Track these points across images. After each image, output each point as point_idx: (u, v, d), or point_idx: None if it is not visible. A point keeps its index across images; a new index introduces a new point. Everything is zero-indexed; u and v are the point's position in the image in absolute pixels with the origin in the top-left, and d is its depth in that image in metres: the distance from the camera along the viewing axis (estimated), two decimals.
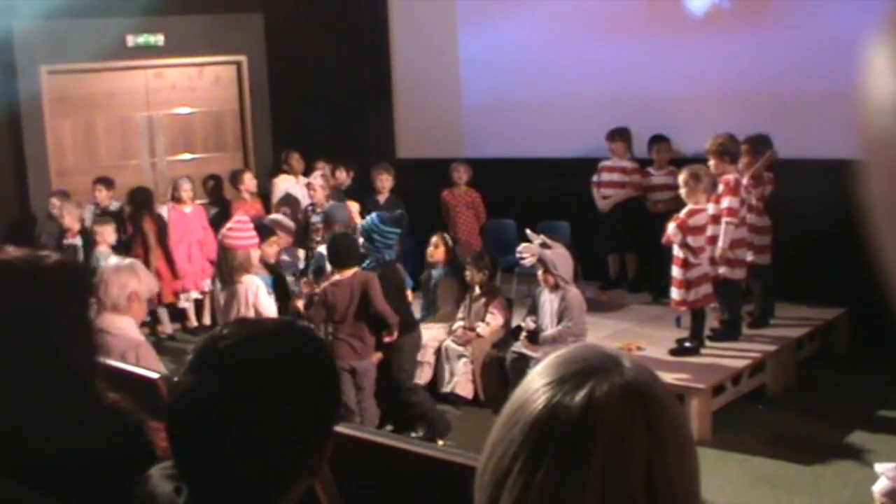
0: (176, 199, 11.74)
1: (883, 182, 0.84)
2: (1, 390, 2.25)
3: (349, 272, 7.58)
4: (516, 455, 1.25)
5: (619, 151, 10.85)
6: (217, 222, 11.39)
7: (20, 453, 2.20)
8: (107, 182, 12.24)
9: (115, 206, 12.10)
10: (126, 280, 5.33)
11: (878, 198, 0.86)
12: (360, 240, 7.98)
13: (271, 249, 8.54)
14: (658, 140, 10.48)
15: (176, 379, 1.80)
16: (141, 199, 11.66)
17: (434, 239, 9.22)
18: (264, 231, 8.38)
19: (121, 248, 10.77)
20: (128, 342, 5.18)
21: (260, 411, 1.71)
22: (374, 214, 8.09)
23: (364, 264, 7.75)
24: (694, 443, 1.34)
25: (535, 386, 1.29)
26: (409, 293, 8.48)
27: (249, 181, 12.30)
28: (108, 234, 10.66)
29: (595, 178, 10.96)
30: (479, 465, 1.32)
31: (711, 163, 8.61)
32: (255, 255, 7.53)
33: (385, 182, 11.56)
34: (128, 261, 5.83)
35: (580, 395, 1.25)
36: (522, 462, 1.24)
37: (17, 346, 2.30)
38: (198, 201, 12.28)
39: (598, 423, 1.23)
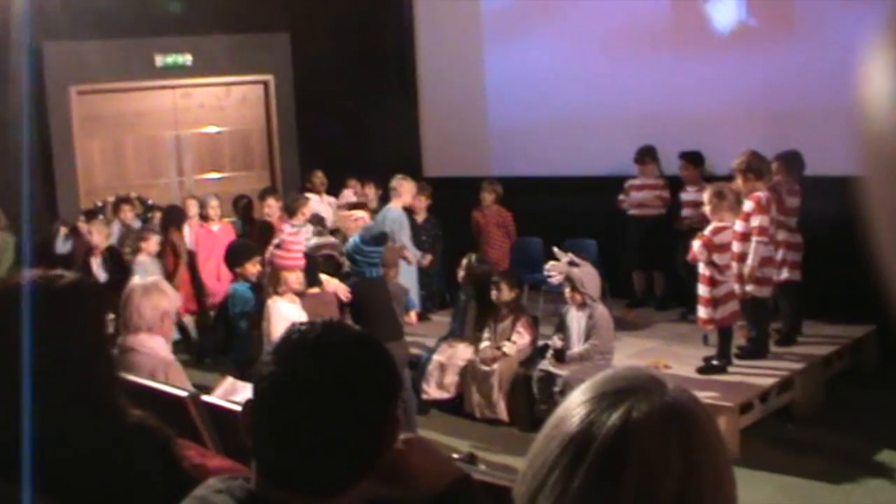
0: (203, 216, 11.80)
1: (882, 188, 0.84)
2: (24, 411, 2.28)
3: (314, 291, 7.86)
4: (552, 468, 1.26)
5: (647, 170, 10.84)
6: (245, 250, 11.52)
7: (46, 472, 2.22)
8: (130, 202, 12.37)
9: (138, 224, 12.23)
10: (157, 300, 5.34)
11: (877, 205, 0.86)
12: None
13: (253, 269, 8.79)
14: (688, 157, 10.41)
15: (260, 367, 1.86)
16: (173, 216, 11.78)
17: (463, 262, 9.28)
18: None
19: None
20: (157, 360, 5.21)
21: (342, 406, 1.80)
22: (356, 236, 8.18)
23: (349, 282, 7.91)
24: (731, 468, 1.33)
25: (576, 402, 1.30)
26: (412, 314, 8.94)
27: (273, 203, 12.23)
28: (151, 245, 10.74)
29: (622, 196, 10.95)
30: (518, 476, 1.33)
31: (738, 180, 8.58)
32: (293, 276, 7.52)
33: (422, 202, 11.57)
34: (151, 279, 5.84)
35: (617, 414, 1.25)
36: (558, 475, 1.25)
37: (38, 367, 2.33)
38: (225, 219, 12.33)
39: (633, 442, 1.23)
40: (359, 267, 7.83)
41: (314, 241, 9.32)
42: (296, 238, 7.94)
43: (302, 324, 1.91)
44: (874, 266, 0.90)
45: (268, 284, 7.54)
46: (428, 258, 11.05)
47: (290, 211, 11.01)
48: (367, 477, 1.87)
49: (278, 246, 7.51)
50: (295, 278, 7.40)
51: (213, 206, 11.78)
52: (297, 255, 7.54)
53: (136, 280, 5.80)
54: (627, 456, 1.22)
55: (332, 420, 1.78)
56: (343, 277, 8.10)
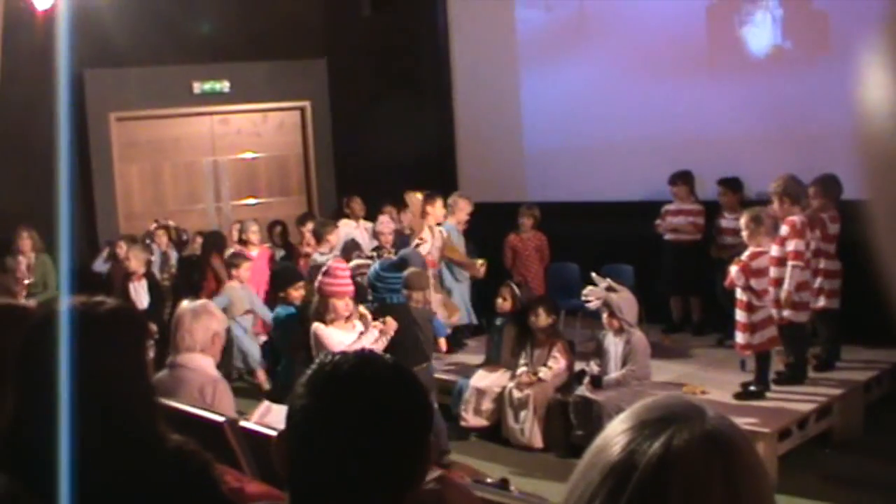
0: (243, 241, 11.86)
1: (881, 192, 0.84)
2: (66, 436, 2.30)
3: None
4: (593, 497, 1.25)
5: (682, 195, 10.79)
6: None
7: (85, 496, 2.24)
8: (165, 227, 12.50)
9: (173, 251, 12.38)
10: (208, 323, 5.51)
11: (877, 208, 0.86)
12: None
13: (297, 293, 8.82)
14: (727, 183, 10.34)
15: (293, 399, 1.87)
16: (214, 242, 11.89)
17: (503, 290, 9.24)
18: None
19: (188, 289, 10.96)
20: (206, 377, 5.36)
21: (374, 439, 1.80)
22: (376, 264, 8.28)
23: (370, 308, 7.94)
24: (773, 495, 1.32)
25: (617, 430, 1.29)
26: (441, 341, 8.79)
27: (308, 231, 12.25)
28: (243, 272, 10.69)
29: (659, 221, 10.91)
30: None
31: (775, 204, 8.54)
32: (342, 303, 7.46)
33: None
34: (200, 302, 5.96)
35: (659, 443, 1.24)
36: None
37: (78, 391, 2.35)
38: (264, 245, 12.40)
39: (674, 471, 1.22)
40: (379, 293, 7.91)
41: (354, 262, 9.33)
42: (342, 265, 7.93)
43: (334, 355, 1.91)
44: None
45: (314, 311, 7.51)
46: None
47: (317, 237, 11.05)
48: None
49: (326, 273, 7.48)
50: (344, 305, 7.38)
51: (254, 231, 11.85)
52: (346, 281, 7.52)
53: (184, 304, 5.91)
54: (669, 485, 1.22)
55: (363, 453, 1.78)
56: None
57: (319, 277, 7.56)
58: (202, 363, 5.42)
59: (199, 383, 5.28)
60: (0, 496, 2.40)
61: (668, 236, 10.84)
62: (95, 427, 2.34)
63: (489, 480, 7.24)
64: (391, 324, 7.37)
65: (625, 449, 1.25)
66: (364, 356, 1.90)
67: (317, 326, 7.31)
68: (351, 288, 7.54)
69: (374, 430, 1.79)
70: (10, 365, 2.79)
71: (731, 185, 10.30)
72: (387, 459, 1.80)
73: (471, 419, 8.90)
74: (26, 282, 11.62)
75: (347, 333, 7.33)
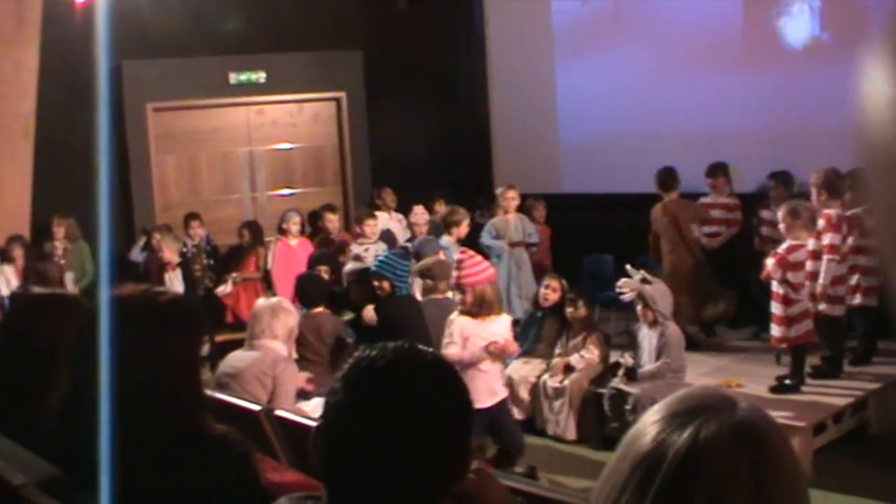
0: (283, 231, 11.89)
1: (882, 188, 0.84)
2: (114, 424, 2.33)
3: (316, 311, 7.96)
4: (624, 488, 1.26)
5: (719, 187, 10.72)
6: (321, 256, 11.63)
7: (130, 485, 2.27)
8: (198, 218, 12.57)
9: (204, 240, 12.43)
10: (286, 319, 5.98)
11: (877, 204, 0.86)
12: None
13: None
14: (779, 177, 10.22)
15: (329, 395, 1.86)
16: (256, 231, 11.96)
17: (551, 282, 9.16)
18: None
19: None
20: (277, 354, 5.85)
21: (408, 428, 1.78)
22: (389, 252, 8.33)
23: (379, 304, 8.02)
24: (806, 489, 1.32)
25: (648, 421, 1.30)
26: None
27: (333, 218, 12.23)
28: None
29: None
30: (592, 496, 1.33)
31: (813, 197, 8.49)
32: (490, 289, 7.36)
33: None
34: (275, 299, 6.44)
35: (686, 434, 1.24)
36: (629, 495, 1.25)
37: (129, 380, 2.38)
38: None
39: (701, 463, 1.22)
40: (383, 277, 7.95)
41: (348, 266, 9.33)
42: (469, 253, 7.78)
43: (373, 349, 1.89)
44: None
45: (463, 307, 7.34)
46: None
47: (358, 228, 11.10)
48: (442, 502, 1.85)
49: (460, 267, 7.37)
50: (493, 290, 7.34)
51: (295, 222, 11.85)
52: (483, 266, 7.43)
53: (261, 301, 6.48)
54: (696, 476, 1.22)
55: (398, 450, 1.77)
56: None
57: (455, 273, 7.45)
58: (278, 346, 5.89)
59: (273, 357, 5.77)
60: (42, 483, 2.44)
61: (707, 228, 10.74)
62: (143, 416, 2.37)
63: (518, 470, 7.29)
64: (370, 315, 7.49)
65: (654, 440, 1.26)
66: (402, 351, 1.89)
67: (463, 321, 7.25)
68: (492, 271, 7.46)
69: (407, 427, 1.77)
70: (60, 352, 2.83)
71: (782, 178, 10.18)
72: (420, 457, 1.78)
73: None
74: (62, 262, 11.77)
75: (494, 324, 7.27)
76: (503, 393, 7.53)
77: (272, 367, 5.71)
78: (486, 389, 7.17)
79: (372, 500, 1.80)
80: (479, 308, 7.19)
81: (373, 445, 1.77)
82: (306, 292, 8.22)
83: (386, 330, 7.56)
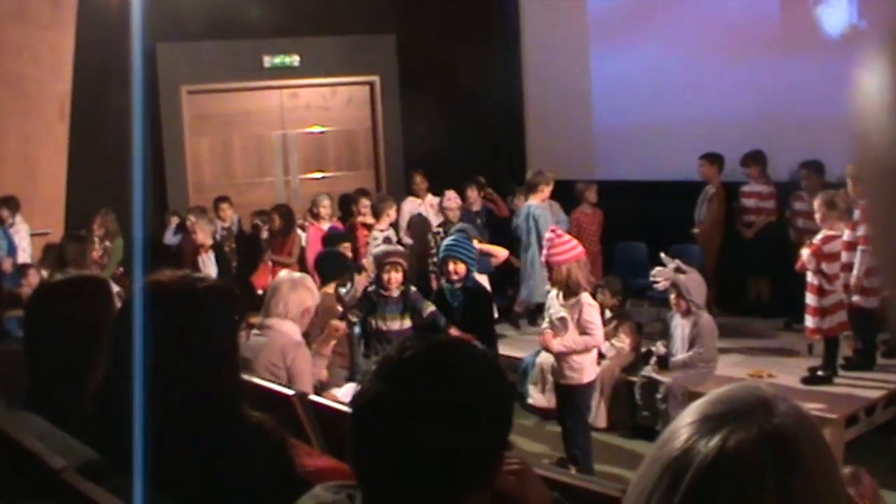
0: (314, 215, 11.92)
1: (878, 193, 0.83)
2: (152, 409, 2.34)
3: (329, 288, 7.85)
4: (653, 492, 1.24)
5: (755, 175, 10.68)
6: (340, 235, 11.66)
7: (167, 469, 2.29)
8: (228, 200, 12.61)
9: (235, 223, 12.47)
10: (303, 297, 5.76)
11: (873, 209, 0.85)
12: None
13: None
14: (809, 166, 10.18)
15: (362, 385, 1.85)
16: (289, 214, 12.04)
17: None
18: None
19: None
20: (289, 341, 5.61)
21: (443, 422, 1.76)
22: (456, 234, 8.24)
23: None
24: (841, 497, 1.29)
25: (682, 423, 1.28)
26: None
27: (364, 204, 12.20)
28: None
29: (735, 203, 10.84)
30: (627, 494, 1.32)
31: (850, 187, 8.43)
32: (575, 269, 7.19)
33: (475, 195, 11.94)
34: (299, 275, 6.22)
35: (714, 441, 1.22)
36: (657, 500, 1.23)
37: (169, 366, 2.40)
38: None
39: (726, 472, 1.20)
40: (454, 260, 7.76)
41: (382, 247, 9.23)
42: (556, 231, 7.58)
43: (411, 339, 1.88)
44: None
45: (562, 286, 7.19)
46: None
47: (375, 214, 11.09)
48: (479, 497, 1.84)
49: (551, 246, 7.20)
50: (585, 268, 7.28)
51: (325, 206, 11.89)
52: (571, 245, 7.25)
53: (284, 273, 6.31)
54: (719, 486, 1.20)
55: (426, 444, 1.75)
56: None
57: (546, 252, 7.28)
58: (288, 328, 5.66)
59: (281, 344, 5.53)
60: (81, 466, 2.46)
61: (746, 217, 10.75)
62: (181, 402, 2.38)
63: (546, 461, 7.28)
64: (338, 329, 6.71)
65: (684, 445, 1.24)
66: (444, 345, 1.88)
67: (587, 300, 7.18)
68: (580, 250, 7.28)
69: (436, 423, 1.75)
70: (96, 334, 2.85)
71: (814, 167, 10.11)
72: (448, 453, 1.76)
73: (537, 398, 8.90)
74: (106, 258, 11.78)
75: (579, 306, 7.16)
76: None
77: (282, 356, 5.49)
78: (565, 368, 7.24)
79: (400, 492, 1.79)
80: (566, 287, 7.11)
81: (401, 438, 1.76)
82: (325, 267, 8.16)
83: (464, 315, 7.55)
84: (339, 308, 7.82)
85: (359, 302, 8.13)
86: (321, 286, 8.01)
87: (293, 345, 5.59)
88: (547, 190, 10.77)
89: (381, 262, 7.80)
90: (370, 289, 7.95)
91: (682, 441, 1.25)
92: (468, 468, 1.80)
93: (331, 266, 8.19)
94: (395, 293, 7.61)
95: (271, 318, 5.69)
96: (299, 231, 11.92)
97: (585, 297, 7.13)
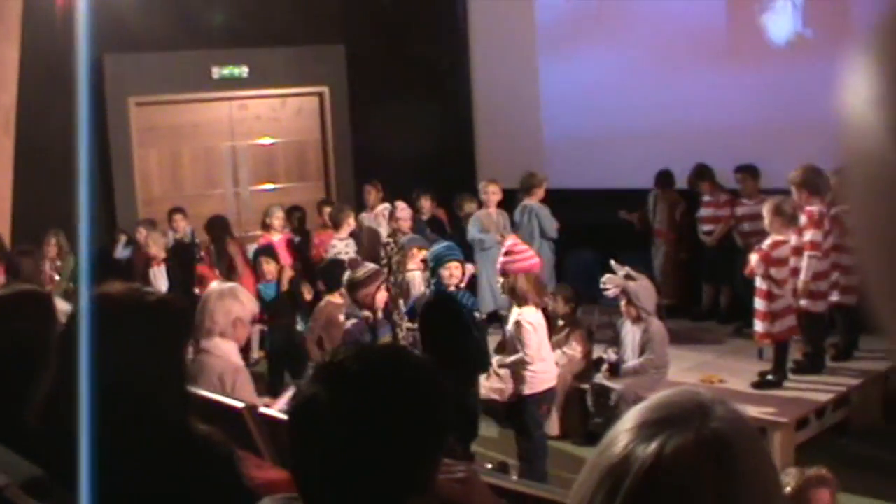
0: (266, 226, 11.88)
1: (861, 190, 0.83)
2: (96, 424, 2.32)
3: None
4: (592, 499, 1.24)
5: (706, 189, 10.89)
6: (301, 252, 11.59)
7: (113, 484, 2.26)
8: (182, 212, 12.52)
9: (188, 234, 12.36)
10: (230, 306, 5.40)
11: (856, 205, 0.85)
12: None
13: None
14: (745, 170, 10.38)
15: (299, 387, 1.85)
16: (221, 226, 11.91)
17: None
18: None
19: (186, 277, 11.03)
20: (227, 365, 5.27)
21: (378, 426, 1.77)
22: (440, 245, 8.23)
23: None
24: (780, 500, 1.30)
25: (621, 429, 1.28)
26: None
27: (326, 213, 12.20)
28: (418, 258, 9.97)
29: (696, 213, 11.04)
30: (568, 501, 1.32)
31: (794, 194, 8.52)
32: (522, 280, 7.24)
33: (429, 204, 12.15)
34: (229, 285, 5.87)
35: (652, 447, 1.22)
36: None
37: (114, 379, 2.37)
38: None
39: (663, 479, 1.20)
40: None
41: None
42: (516, 241, 7.72)
43: (347, 346, 1.89)
44: None
45: (514, 296, 7.31)
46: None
47: (335, 223, 11.07)
48: (419, 503, 1.84)
49: (507, 254, 7.30)
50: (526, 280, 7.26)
51: (278, 217, 11.86)
52: (525, 256, 7.34)
53: (214, 285, 5.86)
54: (657, 492, 1.20)
55: (357, 448, 1.76)
56: None
57: (501, 259, 7.33)
58: (225, 349, 5.32)
59: (219, 370, 5.19)
60: (25, 483, 2.42)
61: (705, 227, 10.94)
62: (127, 415, 2.35)
63: (489, 465, 7.27)
64: None
65: (622, 451, 1.24)
66: (376, 348, 1.89)
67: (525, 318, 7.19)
68: (535, 262, 7.36)
69: (367, 426, 1.76)
70: (38, 349, 2.81)
71: (750, 171, 10.33)
72: (380, 455, 1.77)
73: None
74: (56, 277, 11.61)
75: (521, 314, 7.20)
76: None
77: (220, 384, 5.12)
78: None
79: (333, 496, 1.79)
80: (512, 296, 7.22)
81: (331, 440, 1.77)
82: (329, 276, 8.10)
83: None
84: (342, 318, 7.80)
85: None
86: (326, 293, 7.94)
87: (231, 371, 5.25)
88: (540, 191, 11.06)
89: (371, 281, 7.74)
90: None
91: (621, 447, 1.24)
92: (400, 473, 1.80)
93: (335, 275, 8.12)
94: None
95: (203, 339, 5.32)
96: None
97: (525, 313, 7.18)
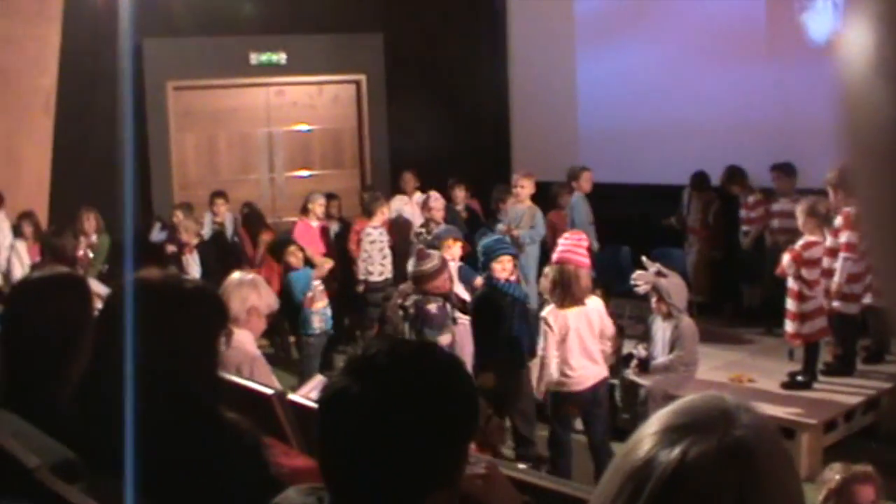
0: (305, 211, 11.90)
1: (866, 168, 0.80)
2: (128, 408, 2.35)
3: None
4: (614, 500, 1.25)
5: (737, 191, 10.85)
6: (339, 240, 11.65)
7: (145, 471, 2.29)
8: (224, 196, 12.52)
9: (228, 221, 12.37)
10: (247, 294, 5.42)
11: (862, 189, 0.81)
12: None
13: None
14: (780, 168, 10.30)
15: (331, 380, 1.88)
16: (255, 214, 11.97)
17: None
18: None
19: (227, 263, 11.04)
20: (243, 355, 5.26)
21: (405, 421, 1.79)
22: (489, 237, 8.21)
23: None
24: None
25: (645, 433, 1.28)
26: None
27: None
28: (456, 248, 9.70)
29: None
30: (590, 503, 1.33)
31: (830, 195, 8.47)
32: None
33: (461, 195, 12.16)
34: (250, 275, 5.88)
35: (675, 452, 1.22)
36: None
37: (149, 365, 2.40)
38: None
39: (684, 485, 1.21)
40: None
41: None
42: (578, 235, 7.70)
43: (378, 340, 1.91)
44: None
45: (555, 293, 7.25)
46: None
47: (368, 212, 11.07)
48: (441, 498, 1.85)
49: (566, 244, 7.28)
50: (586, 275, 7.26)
51: (320, 204, 11.88)
52: (570, 244, 7.32)
53: (235, 275, 5.85)
54: (678, 498, 1.21)
55: (382, 437, 1.78)
56: None
57: (559, 249, 7.31)
58: (241, 338, 5.27)
59: (236, 361, 5.15)
60: (55, 465, 2.46)
61: (743, 228, 10.90)
62: (158, 403, 2.38)
63: (522, 466, 7.27)
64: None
65: (646, 455, 1.24)
66: (407, 343, 1.91)
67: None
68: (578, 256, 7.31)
69: (394, 416, 1.78)
70: (73, 333, 2.85)
71: (785, 169, 10.24)
72: (407, 448, 1.79)
73: None
74: (91, 255, 11.63)
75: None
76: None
77: (237, 373, 5.02)
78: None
79: (359, 489, 1.82)
80: (562, 288, 7.19)
81: (359, 432, 1.80)
82: None
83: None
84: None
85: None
86: None
87: (248, 360, 5.26)
88: (582, 183, 11.27)
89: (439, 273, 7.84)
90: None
91: (645, 451, 1.25)
92: (425, 468, 1.83)
93: None
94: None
95: None
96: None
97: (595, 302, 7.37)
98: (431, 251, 8.42)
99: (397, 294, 8.64)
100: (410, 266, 8.14)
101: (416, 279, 7.87)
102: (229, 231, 12.26)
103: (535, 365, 7.64)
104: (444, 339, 7.66)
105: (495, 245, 7.98)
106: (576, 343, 7.22)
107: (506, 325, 7.65)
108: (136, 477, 2.30)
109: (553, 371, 7.27)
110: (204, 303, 2.58)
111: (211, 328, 2.59)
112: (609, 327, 7.51)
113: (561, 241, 7.40)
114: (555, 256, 7.27)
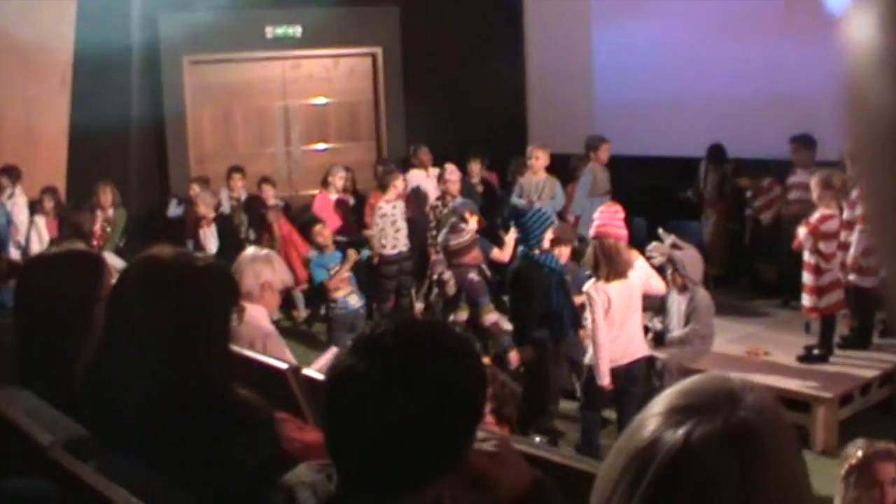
0: (325, 184, 11.93)
1: (870, 155, 0.79)
2: (141, 385, 2.37)
3: None
4: (618, 482, 1.25)
5: (745, 185, 10.83)
6: (356, 213, 11.70)
7: (156, 448, 2.31)
8: (241, 171, 12.54)
9: (243, 196, 12.39)
10: (260, 269, 5.36)
11: (867, 176, 0.81)
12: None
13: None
14: (799, 140, 10.21)
15: (339, 357, 1.88)
16: (253, 198, 12.06)
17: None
18: None
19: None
20: (257, 331, 5.22)
21: (411, 402, 1.78)
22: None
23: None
24: (804, 493, 1.29)
25: (650, 414, 1.29)
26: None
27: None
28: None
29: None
30: (596, 482, 1.33)
31: (848, 167, 8.43)
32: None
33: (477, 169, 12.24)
34: (265, 251, 5.82)
35: (679, 433, 1.23)
36: (621, 491, 1.25)
37: (160, 342, 2.41)
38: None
39: (688, 466, 1.21)
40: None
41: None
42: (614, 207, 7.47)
43: (386, 317, 1.91)
44: None
45: (593, 266, 7.06)
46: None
47: (381, 186, 11.07)
48: (449, 477, 1.86)
49: (603, 217, 7.12)
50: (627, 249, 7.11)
51: (340, 177, 11.95)
52: (606, 218, 7.13)
53: (250, 250, 5.84)
54: (682, 478, 1.21)
55: (389, 415, 1.77)
56: None
57: (596, 223, 7.12)
58: (255, 314, 5.22)
59: (249, 337, 5.10)
60: (69, 442, 2.48)
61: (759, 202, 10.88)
62: (169, 380, 2.39)
63: (538, 439, 7.28)
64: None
65: (650, 436, 1.25)
66: (414, 321, 1.89)
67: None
68: (614, 228, 7.09)
69: (401, 394, 1.78)
70: (86, 310, 2.86)
71: (804, 141, 10.14)
72: (414, 426, 1.78)
73: None
74: (108, 229, 11.65)
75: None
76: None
77: (251, 349, 4.92)
78: None
79: (366, 466, 1.82)
80: (605, 260, 7.02)
81: (366, 410, 1.79)
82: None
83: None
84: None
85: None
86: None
87: (262, 335, 5.19)
88: (600, 154, 11.18)
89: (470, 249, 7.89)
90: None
91: (649, 432, 1.25)
92: (430, 450, 1.82)
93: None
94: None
95: None
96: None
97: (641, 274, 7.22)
98: (463, 224, 8.44)
99: (433, 263, 8.68)
100: (444, 239, 8.12)
101: (454, 252, 7.88)
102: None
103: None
104: (491, 317, 7.66)
105: (544, 216, 7.80)
106: (618, 317, 6.97)
107: (544, 297, 7.54)
108: (147, 453, 2.32)
109: (606, 352, 7.04)
110: (215, 280, 2.58)
111: (222, 305, 2.59)
112: (654, 287, 7.33)
113: (596, 214, 7.27)
114: (592, 231, 7.13)
